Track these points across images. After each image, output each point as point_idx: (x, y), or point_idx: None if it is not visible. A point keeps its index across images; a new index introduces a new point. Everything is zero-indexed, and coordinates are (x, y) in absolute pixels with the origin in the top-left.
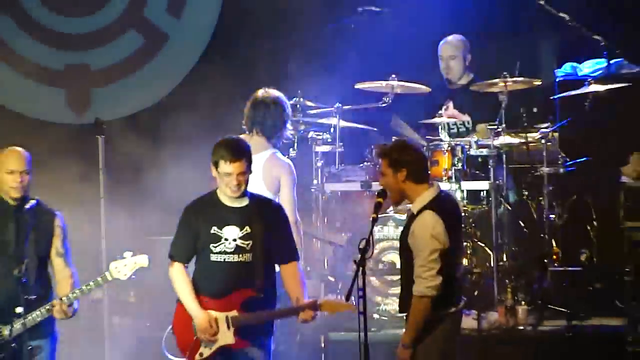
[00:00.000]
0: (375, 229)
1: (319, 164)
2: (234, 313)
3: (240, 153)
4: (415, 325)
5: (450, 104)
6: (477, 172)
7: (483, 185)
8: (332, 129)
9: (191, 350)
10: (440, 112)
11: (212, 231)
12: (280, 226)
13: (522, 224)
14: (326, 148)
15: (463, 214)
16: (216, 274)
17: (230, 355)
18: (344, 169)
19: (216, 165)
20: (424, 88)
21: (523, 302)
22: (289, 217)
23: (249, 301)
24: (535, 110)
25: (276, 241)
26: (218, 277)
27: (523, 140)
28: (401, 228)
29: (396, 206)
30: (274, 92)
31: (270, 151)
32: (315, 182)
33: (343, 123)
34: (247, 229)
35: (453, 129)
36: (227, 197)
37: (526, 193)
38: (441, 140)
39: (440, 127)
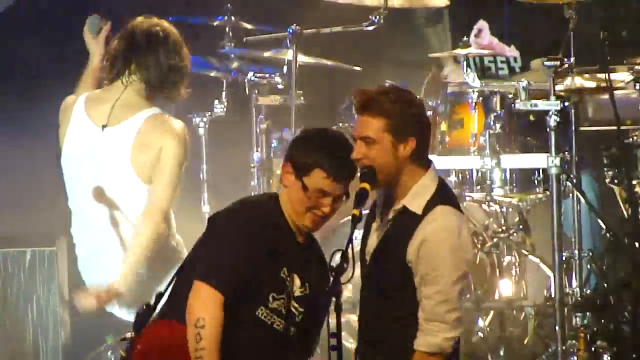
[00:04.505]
0: (358, 233)
1: (264, 126)
2: None
3: (351, 169)
4: None
5: (485, 27)
6: (528, 138)
7: (538, 161)
8: (284, 69)
9: None
10: (466, 39)
11: (281, 274)
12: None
13: (604, 226)
14: (275, 100)
15: (505, 209)
16: (261, 344)
17: None
18: None
19: (305, 170)
20: (441, 0)
21: (607, 356)
22: (154, 215)
23: None
24: (624, 34)
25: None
26: (263, 350)
27: (605, 85)
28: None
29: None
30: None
31: (149, 111)
32: (256, 155)
33: (304, 58)
34: (306, 284)
35: (489, 68)
36: (294, 223)
37: (610, 173)
38: (468, 85)
39: (465, 64)
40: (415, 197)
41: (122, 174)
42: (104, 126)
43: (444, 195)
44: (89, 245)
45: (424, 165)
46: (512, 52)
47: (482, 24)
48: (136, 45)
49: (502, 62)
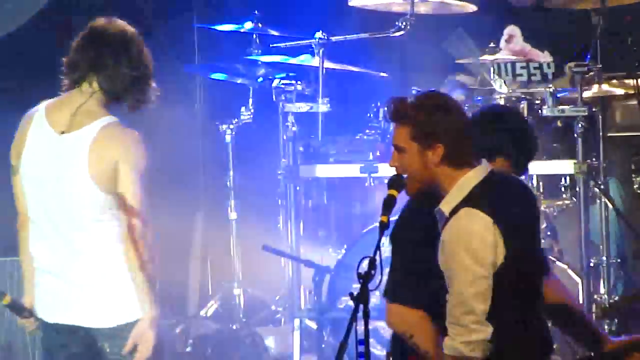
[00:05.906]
0: (386, 240)
1: (290, 133)
2: None
3: None
4: None
5: (517, 33)
6: (555, 145)
7: (565, 167)
8: (311, 75)
9: None
10: (492, 45)
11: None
12: None
13: (631, 232)
14: (302, 107)
15: None
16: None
17: None
18: (332, 142)
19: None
20: (469, 6)
21: None
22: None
23: None
24: None
25: None
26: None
27: (632, 92)
28: None
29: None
30: (124, 25)
31: (106, 119)
32: (283, 162)
33: (330, 64)
34: None
35: (521, 74)
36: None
37: (638, 179)
38: (495, 92)
39: (492, 70)
40: (448, 201)
41: (80, 181)
42: (62, 132)
43: (476, 197)
44: (49, 257)
45: (463, 168)
46: (545, 57)
47: (513, 29)
48: (101, 53)
49: (535, 68)
